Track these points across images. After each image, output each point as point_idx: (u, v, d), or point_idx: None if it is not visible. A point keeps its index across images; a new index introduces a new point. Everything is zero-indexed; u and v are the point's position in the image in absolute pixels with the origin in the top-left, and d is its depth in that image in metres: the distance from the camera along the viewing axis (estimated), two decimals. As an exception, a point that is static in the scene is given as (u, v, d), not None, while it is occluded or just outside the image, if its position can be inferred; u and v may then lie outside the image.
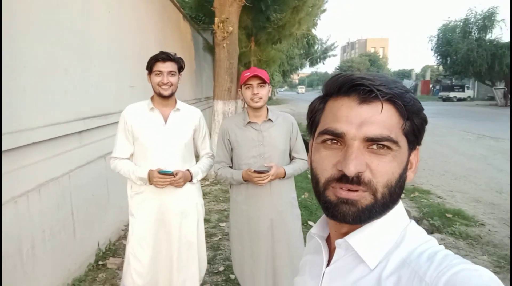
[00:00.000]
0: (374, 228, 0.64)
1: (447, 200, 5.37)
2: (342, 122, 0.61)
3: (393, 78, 0.64)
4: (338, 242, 0.67)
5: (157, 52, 2.20)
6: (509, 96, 25.18)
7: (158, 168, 2.13)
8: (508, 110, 21.59)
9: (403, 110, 0.60)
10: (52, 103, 2.66)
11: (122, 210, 3.93)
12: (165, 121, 2.24)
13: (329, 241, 0.74)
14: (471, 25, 25.82)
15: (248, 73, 2.16)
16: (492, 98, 27.11)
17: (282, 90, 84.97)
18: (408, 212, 3.48)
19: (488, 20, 24.76)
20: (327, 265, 0.70)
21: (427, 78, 53.59)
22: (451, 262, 0.54)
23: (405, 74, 65.80)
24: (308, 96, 59.76)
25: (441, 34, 27.47)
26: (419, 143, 0.65)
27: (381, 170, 0.60)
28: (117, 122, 3.72)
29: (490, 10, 24.80)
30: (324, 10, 16.04)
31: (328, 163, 0.63)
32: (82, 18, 3.20)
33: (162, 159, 2.19)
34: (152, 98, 2.28)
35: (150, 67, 2.18)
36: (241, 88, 2.24)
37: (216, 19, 6.00)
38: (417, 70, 68.68)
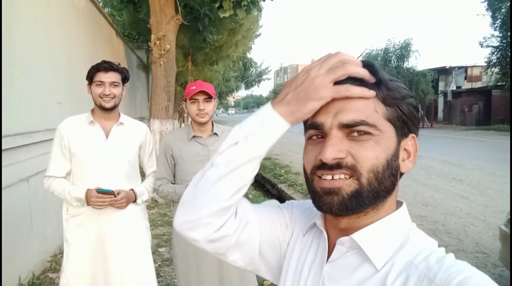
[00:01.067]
0: (379, 228, 0.63)
1: (381, 214, 5.66)
2: (321, 114, 0.63)
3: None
4: (342, 240, 0.64)
5: (87, 67, 2.03)
6: (426, 119, 27.83)
7: (96, 186, 1.94)
8: (426, 131, 23.77)
9: (379, 95, 0.61)
10: (-35, 118, 2.34)
11: (47, 239, 3.53)
12: (107, 136, 2.05)
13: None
14: (390, 54, 28.30)
15: (194, 87, 2.09)
16: (410, 120, 29.69)
17: (220, 112, 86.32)
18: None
19: (404, 50, 27.40)
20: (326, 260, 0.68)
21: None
22: (461, 267, 0.54)
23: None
24: (239, 117, 61.87)
25: (365, 62, 29.62)
26: (411, 131, 0.65)
27: (363, 154, 0.59)
28: (43, 141, 3.46)
29: (406, 41, 27.53)
30: (258, 35, 16.68)
31: (312, 155, 0.64)
32: (4, 27, 2.90)
33: (102, 178, 1.99)
34: (92, 111, 2.08)
35: (90, 77, 1.99)
36: (185, 101, 2.15)
37: (152, 36, 5.84)
38: (345, 94, 73.59)
